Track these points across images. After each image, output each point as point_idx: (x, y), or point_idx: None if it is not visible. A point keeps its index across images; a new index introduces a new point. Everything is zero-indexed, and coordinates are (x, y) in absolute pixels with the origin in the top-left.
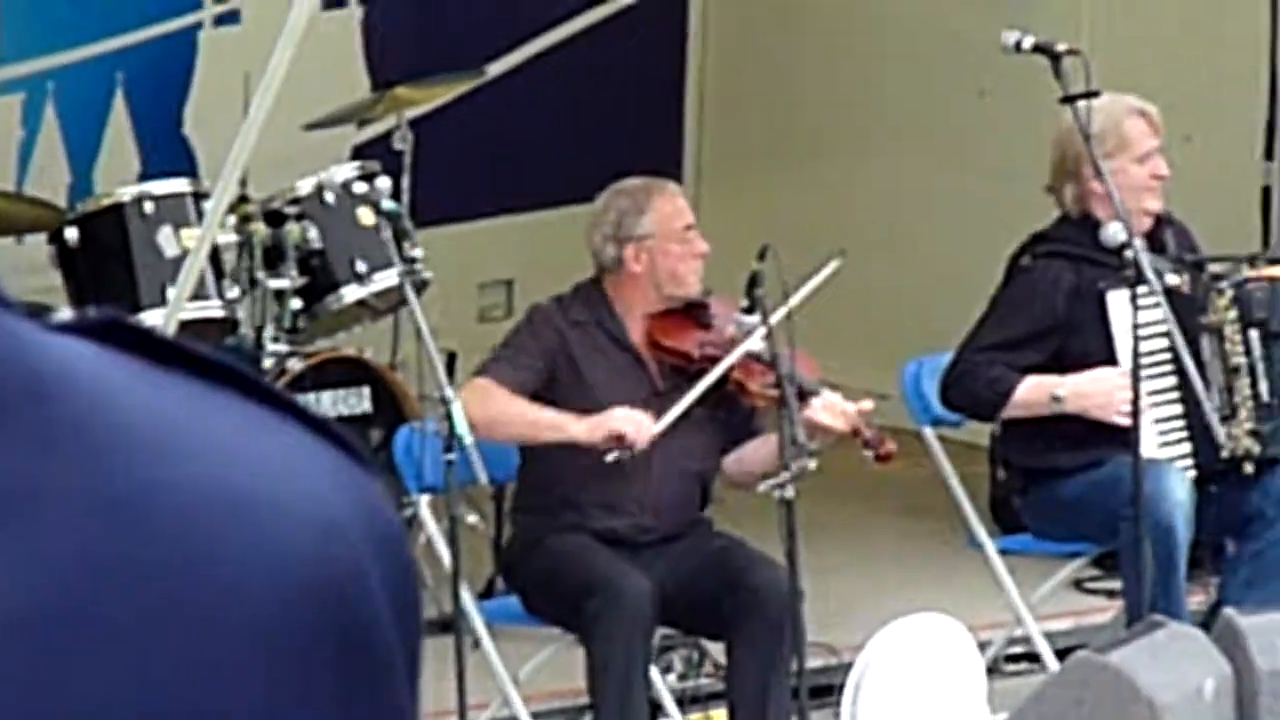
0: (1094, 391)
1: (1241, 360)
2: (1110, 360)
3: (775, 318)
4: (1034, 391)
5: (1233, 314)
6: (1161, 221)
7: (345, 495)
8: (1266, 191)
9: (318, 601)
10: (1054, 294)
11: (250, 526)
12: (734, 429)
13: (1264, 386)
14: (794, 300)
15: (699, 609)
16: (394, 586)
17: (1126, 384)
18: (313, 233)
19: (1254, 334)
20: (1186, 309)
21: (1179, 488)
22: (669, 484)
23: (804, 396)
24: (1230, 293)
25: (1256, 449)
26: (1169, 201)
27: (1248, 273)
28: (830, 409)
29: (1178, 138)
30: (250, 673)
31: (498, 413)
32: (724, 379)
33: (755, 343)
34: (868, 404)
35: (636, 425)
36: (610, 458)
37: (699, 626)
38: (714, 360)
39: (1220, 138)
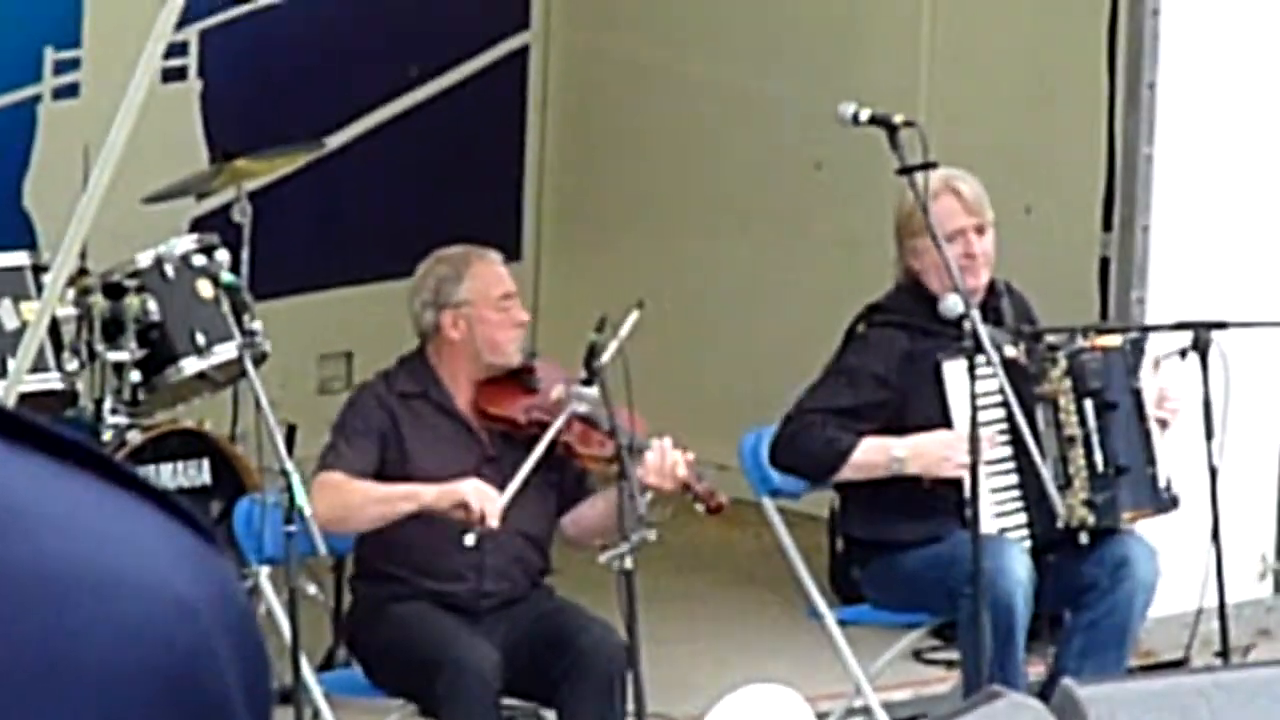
0: (932, 450)
1: (1076, 431)
2: (947, 428)
3: (625, 328)
4: (873, 453)
5: (1067, 384)
6: (996, 291)
7: (197, 576)
8: (1105, 262)
9: (167, 680)
10: (889, 362)
11: (103, 604)
12: (566, 491)
13: (1099, 457)
14: (606, 356)
15: (533, 673)
16: (244, 665)
17: (963, 441)
18: (152, 305)
19: (1089, 404)
20: (1023, 379)
21: (1019, 565)
22: (507, 549)
23: (636, 454)
24: (1065, 363)
25: (1091, 519)
26: (1010, 272)
27: (1082, 343)
28: (659, 471)
29: (1017, 209)
30: None
31: (350, 501)
32: (554, 443)
33: (582, 405)
34: (690, 455)
35: (483, 496)
36: (469, 540)
37: (534, 691)
38: (542, 425)
39: (1059, 208)
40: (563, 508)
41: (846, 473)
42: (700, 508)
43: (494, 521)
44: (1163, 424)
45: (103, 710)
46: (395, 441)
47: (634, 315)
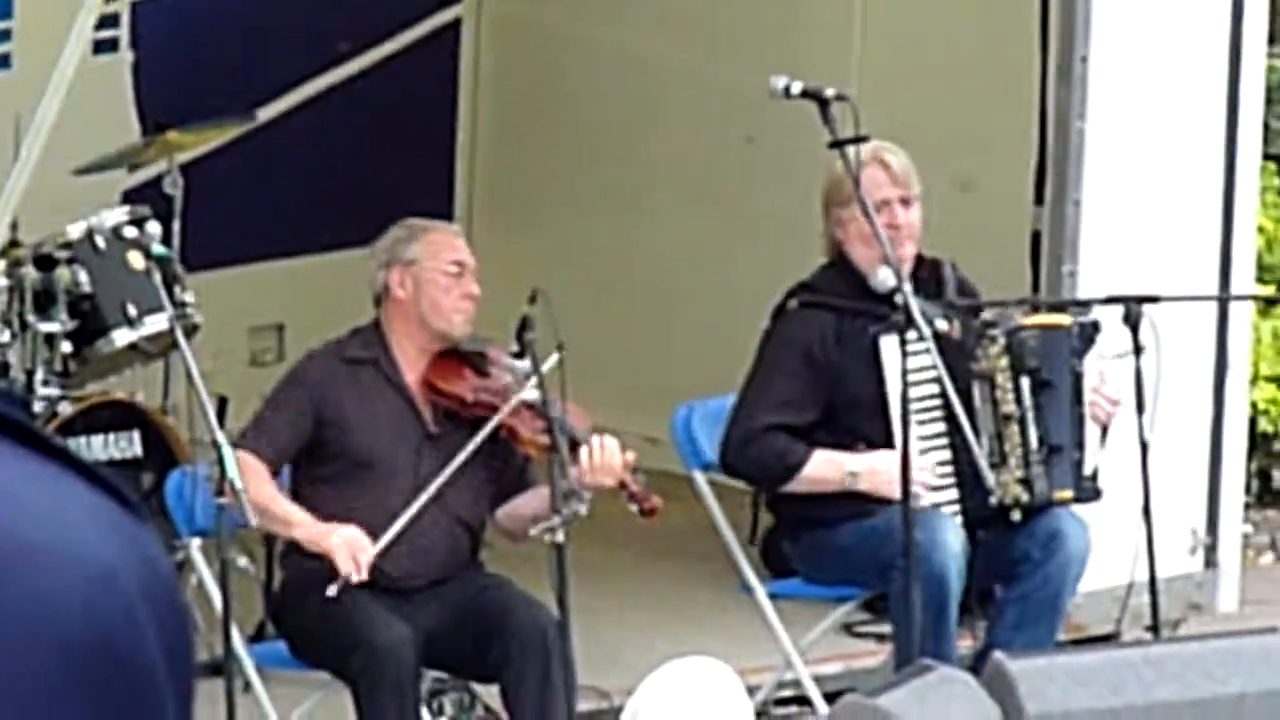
0: (884, 469)
1: (1013, 409)
2: (881, 404)
3: (546, 367)
4: (826, 468)
5: (1004, 362)
6: (934, 265)
7: (119, 545)
8: (1036, 236)
9: (91, 648)
10: (821, 340)
11: (24, 574)
12: (506, 480)
13: (1034, 435)
14: (528, 387)
15: (468, 653)
16: (167, 633)
17: (915, 462)
18: (83, 276)
19: (1025, 382)
20: (956, 355)
21: (952, 538)
22: (438, 531)
23: (574, 446)
24: (1003, 341)
25: (1025, 497)
26: (941, 245)
27: (1020, 320)
28: (597, 468)
29: (950, 183)
30: (19, 715)
31: (249, 494)
32: (496, 427)
33: (529, 392)
34: (630, 455)
35: (351, 551)
36: (330, 591)
37: (468, 670)
38: (488, 407)
39: (991, 182)
40: (500, 498)
41: (800, 486)
42: (634, 508)
43: (362, 576)
44: (1104, 418)
45: (23, 678)
46: (335, 413)
47: (555, 356)
